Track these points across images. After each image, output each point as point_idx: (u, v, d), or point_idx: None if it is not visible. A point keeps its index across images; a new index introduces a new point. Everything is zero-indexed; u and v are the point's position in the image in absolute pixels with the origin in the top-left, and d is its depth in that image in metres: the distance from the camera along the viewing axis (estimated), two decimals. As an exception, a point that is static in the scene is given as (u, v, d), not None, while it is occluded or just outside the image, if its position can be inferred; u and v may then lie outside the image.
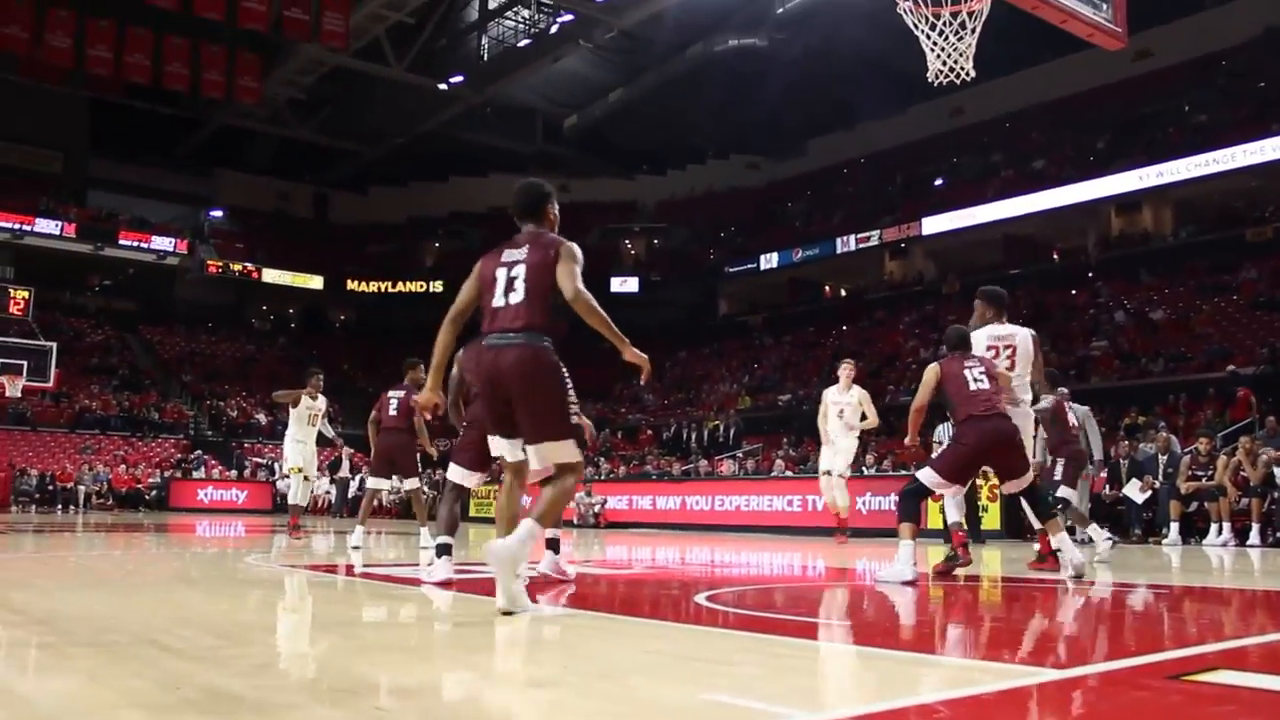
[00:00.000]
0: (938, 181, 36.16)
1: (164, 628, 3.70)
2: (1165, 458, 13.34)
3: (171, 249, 38.36)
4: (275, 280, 40.70)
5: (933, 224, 32.56)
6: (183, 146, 42.84)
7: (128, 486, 26.08)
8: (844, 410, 10.66)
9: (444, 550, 5.61)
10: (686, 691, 2.70)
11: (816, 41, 35.38)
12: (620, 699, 2.59)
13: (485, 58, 38.57)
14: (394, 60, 34.76)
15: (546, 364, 4.00)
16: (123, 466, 27.18)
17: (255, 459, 30.20)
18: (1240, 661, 3.26)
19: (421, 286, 41.98)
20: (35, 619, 4.04)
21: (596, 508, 20.24)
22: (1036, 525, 7.23)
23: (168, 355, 37.80)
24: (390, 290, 42.02)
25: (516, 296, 4.02)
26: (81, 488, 25.16)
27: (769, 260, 37.21)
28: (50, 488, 25.47)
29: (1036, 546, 7.97)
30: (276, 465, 27.73)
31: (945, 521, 7.77)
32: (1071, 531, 8.24)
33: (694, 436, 27.73)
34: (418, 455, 9.70)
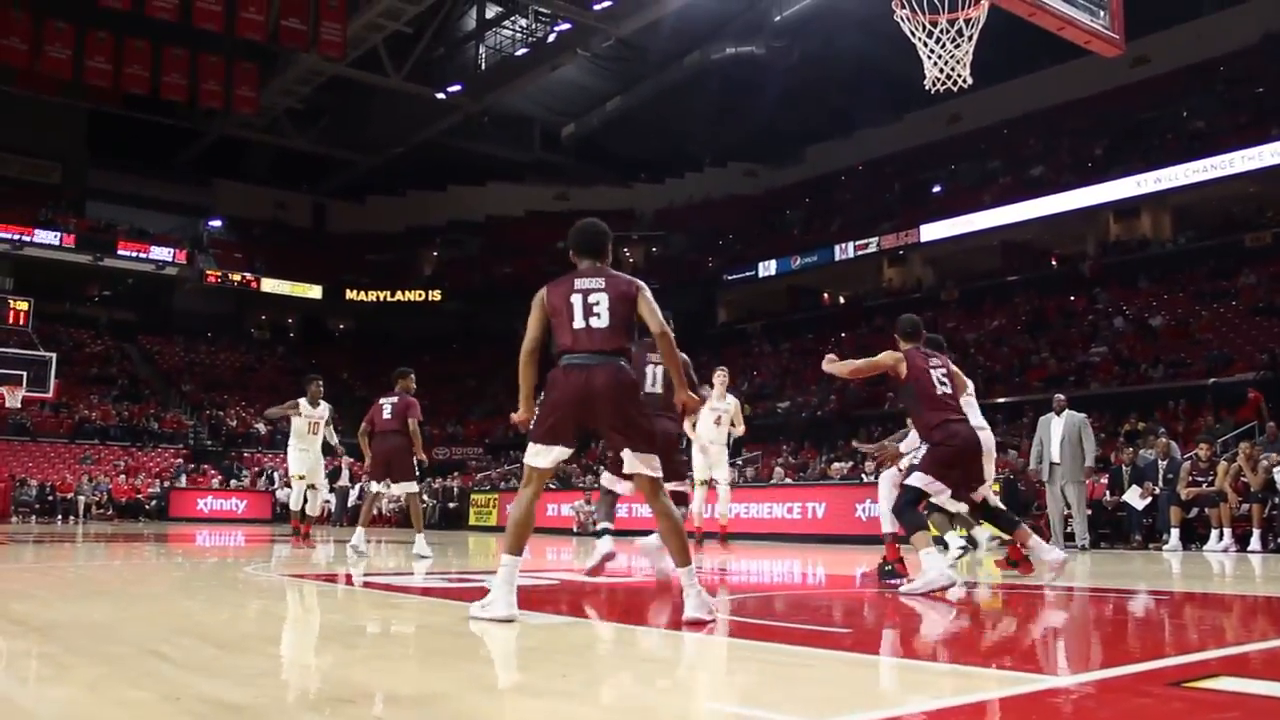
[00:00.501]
0: (936, 188, 36.16)
1: (164, 638, 3.70)
2: (1165, 463, 13.34)
3: (170, 259, 38.34)
4: (274, 290, 40.68)
5: (931, 231, 32.55)
6: (181, 157, 42.90)
7: (127, 496, 26.05)
8: (720, 417, 10.66)
9: (604, 534, 6.80)
10: (687, 700, 2.70)
11: (814, 49, 35.49)
12: (621, 707, 2.59)
13: (483, 67, 38.60)
14: (392, 70, 34.80)
15: (632, 383, 4.39)
16: (122, 477, 27.16)
17: (254, 468, 30.19)
18: (1242, 668, 3.25)
19: (420, 295, 42.00)
20: (36, 629, 4.03)
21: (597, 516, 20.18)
22: (1005, 536, 7.11)
23: (167, 365, 37.78)
24: (389, 299, 42.02)
25: (600, 322, 4.31)
26: (81, 498, 25.11)
27: (767, 268, 37.18)
28: (50, 498, 25.43)
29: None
30: (276, 475, 27.71)
31: (883, 529, 7.36)
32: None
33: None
34: (414, 461, 9.70)
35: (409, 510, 9.69)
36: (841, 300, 38.34)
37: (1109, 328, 25.43)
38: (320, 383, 12.01)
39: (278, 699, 2.70)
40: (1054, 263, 32.08)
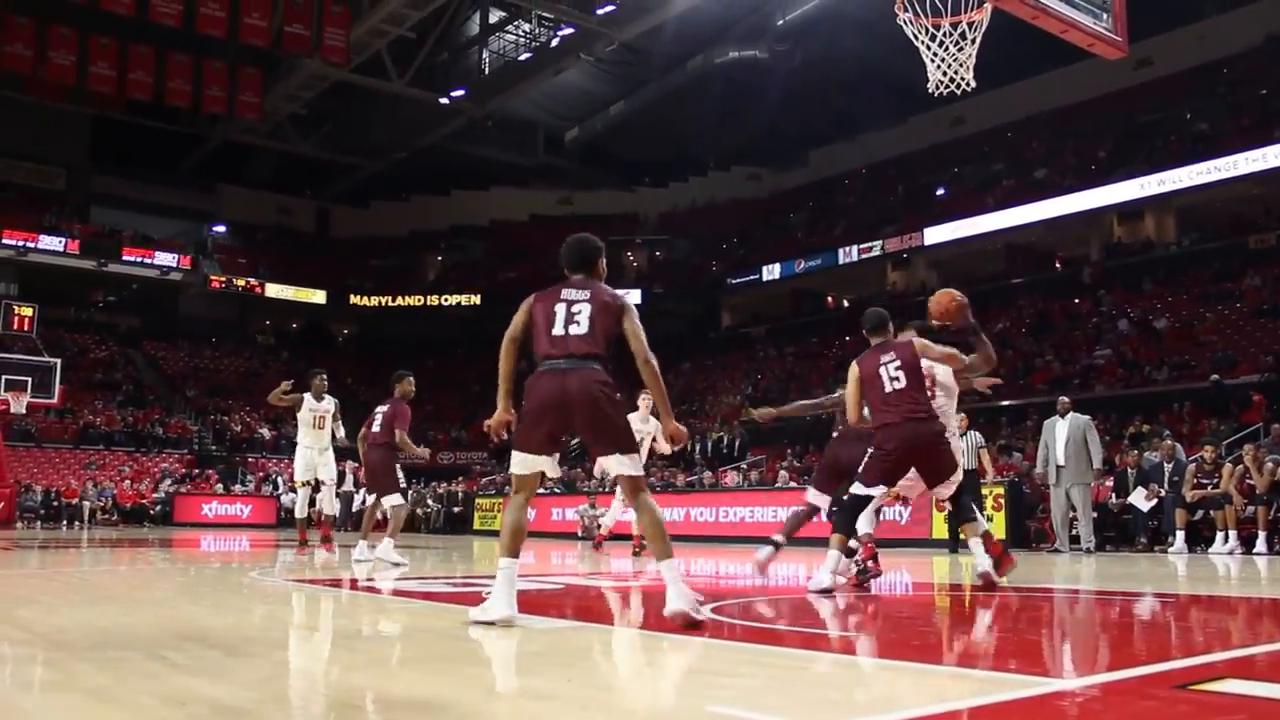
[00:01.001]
0: (939, 191, 36.15)
1: (169, 643, 3.70)
2: (1170, 466, 13.31)
3: (174, 264, 38.40)
4: (278, 295, 40.73)
5: (935, 234, 32.51)
6: (185, 162, 42.97)
7: (132, 502, 26.10)
8: (642, 439, 10.64)
9: (775, 545, 7.13)
10: (690, 703, 2.69)
11: (816, 52, 35.49)
12: (623, 711, 2.59)
13: (486, 71, 38.65)
14: (395, 75, 34.86)
15: (611, 385, 4.34)
16: (127, 482, 27.20)
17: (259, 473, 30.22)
18: (1248, 670, 3.25)
19: (423, 300, 42.01)
20: (41, 635, 4.04)
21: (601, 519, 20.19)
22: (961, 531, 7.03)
23: (171, 370, 37.85)
24: (392, 304, 42.02)
25: (579, 329, 4.33)
26: (86, 503, 25.16)
27: (771, 271, 37.17)
28: (55, 503, 25.48)
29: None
30: (280, 479, 27.73)
31: (848, 531, 7.09)
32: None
33: (698, 448, 27.69)
34: (398, 471, 9.62)
35: (391, 518, 9.55)
36: (846, 303, 38.31)
37: (1113, 330, 25.39)
38: (324, 376, 11.74)
39: (282, 703, 2.70)
40: (1058, 265, 32.05)
